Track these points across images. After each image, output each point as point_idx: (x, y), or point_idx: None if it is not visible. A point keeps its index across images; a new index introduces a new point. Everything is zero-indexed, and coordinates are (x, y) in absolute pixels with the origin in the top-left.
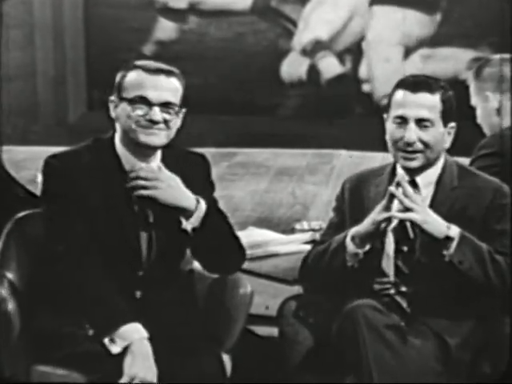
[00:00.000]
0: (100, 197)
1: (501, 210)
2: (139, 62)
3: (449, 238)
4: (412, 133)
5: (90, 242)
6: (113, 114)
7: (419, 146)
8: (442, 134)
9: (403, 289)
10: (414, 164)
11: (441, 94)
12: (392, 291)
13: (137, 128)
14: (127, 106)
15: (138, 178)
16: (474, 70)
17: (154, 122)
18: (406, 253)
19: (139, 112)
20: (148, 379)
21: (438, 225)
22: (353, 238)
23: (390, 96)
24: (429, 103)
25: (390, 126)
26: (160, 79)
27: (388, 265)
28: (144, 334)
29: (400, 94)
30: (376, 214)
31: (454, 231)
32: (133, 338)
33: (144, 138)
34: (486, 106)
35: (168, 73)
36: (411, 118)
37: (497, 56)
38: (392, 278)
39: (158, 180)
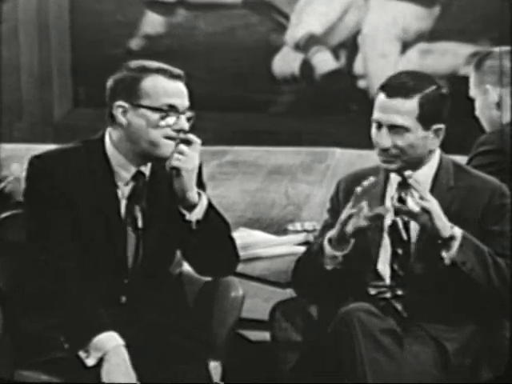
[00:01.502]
0: (86, 201)
1: (499, 210)
2: (151, 65)
3: (451, 238)
4: (384, 139)
5: (71, 248)
6: (122, 120)
7: (394, 151)
8: (422, 138)
9: (399, 292)
10: (392, 166)
11: (420, 96)
12: (388, 295)
13: (161, 140)
14: (152, 114)
15: (178, 152)
16: (475, 61)
17: (179, 131)
18: (402, 255)
19: (170, 122)
20: None
21: (445, 223)
22: (329, 241)
23: (376, 95)
24: (402, 109)
25: (372, 128)
26: (180, 86)
27: (384, 268)
28: (120, 341)
29: (379, 97)
30: (343, 214)
31: (457, 231)
32: (108, 347)
33: (164, 150)
34: (485, 98)
35: (182, 78)
36: (384, 124)
37: (499, 49)
38: (388, 282)
39: (191, 159)
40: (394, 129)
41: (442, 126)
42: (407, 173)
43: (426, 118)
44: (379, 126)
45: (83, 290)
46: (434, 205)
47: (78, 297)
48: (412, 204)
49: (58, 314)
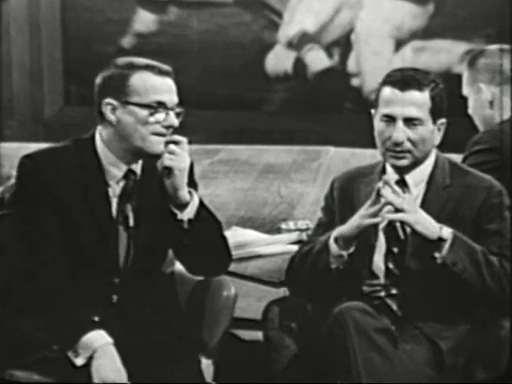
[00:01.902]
0: (77, 200)
1: (495, 209)
2: (139, 62)
3: (441, 240)
4: (400, 133)
5: (59, 250)
6: (111, 117)
7: (408, 145)
8: (431, 132)
9: (394, 291)
10: (403, 162)
11: (430, 90)
12: (382, 293)
13: (151, 137)
14: (141, 110)
15: (169, 152)
16: (468, 59)
17: (169, 128)
18: (397, 254)
19: (159, 118)
20: (118, 381)
21: (430, 225)
22: (336, 240)
23: (378, 92)
24: (418, 101)
25: (378, 124)
26: (168, 82)
27: (378, 266)
28: (108, 339)
29: (388, 92)
30: (361, 218)
31: (447, 232)
32: (96, 346)
33: (155, 147)
34: (478, 97)
35: (171, 74)
36: (399, 117)
37: (493, 47)
38: (382, 280)
39: (183, 158)
40: (409, 122)
41: (444, 120)
42: (385, 177)
43: (435, 112)
44: (390, 120)
45: (70, 291)
46: (409, 213)
47: (64, 297)
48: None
49: (45, 315)
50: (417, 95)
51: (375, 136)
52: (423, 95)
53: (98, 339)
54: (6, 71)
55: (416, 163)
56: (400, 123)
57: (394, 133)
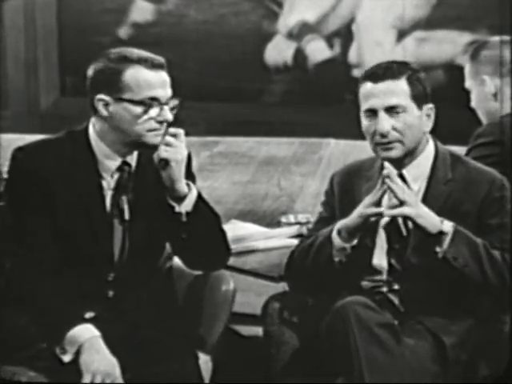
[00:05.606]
0: (70, 194)
1: (498, 202)
2: (132, 55)
3: (442, 233)
4: (384, 123)
5: (50, 244)
6: (104, 113)
7: (395, 134)
8: (417, 118)
9: (396, 286)
10: (394, 153)
11: (407, 77)
12: (384, 289)
13: (146, 133)
14: (134, 107)
15: (166, 143)
16: (470, 51)
17: (163, 122)
18: (399, 250)
19: (153, 114)
20: (110, 372)
21: (431, 219)
22: (339, 232)
23: (358, 90)
24: (394, 89)
25: (364, 121)
26: (162, 75)
27: (381, 262)
28: (95, 332)
29: (365, 87)
30: (364, 208)
31: (448, 226)
32: (82, 340)
33: (151, 139)
34: (481, 89)
35: (164, 67)
36: (380, 108)
37: (495, 38)
38: (385, 276)
39: (179, 149)
40: (391, 111)
41: (432, 106)
42: (385, 171)
43: (417, 97)
44: (373, 114)
45: (58, 286)
46: (411, 206)
47: (51, 293)
48: (386, 204)
49: (32, 311)
50: (393, 84)
51: (364, 134)
52: (399, 83)
53: (84, 333)
54: (1, 62)
55: (409, 154)
56: (382, 114)
57: (378, 125)
